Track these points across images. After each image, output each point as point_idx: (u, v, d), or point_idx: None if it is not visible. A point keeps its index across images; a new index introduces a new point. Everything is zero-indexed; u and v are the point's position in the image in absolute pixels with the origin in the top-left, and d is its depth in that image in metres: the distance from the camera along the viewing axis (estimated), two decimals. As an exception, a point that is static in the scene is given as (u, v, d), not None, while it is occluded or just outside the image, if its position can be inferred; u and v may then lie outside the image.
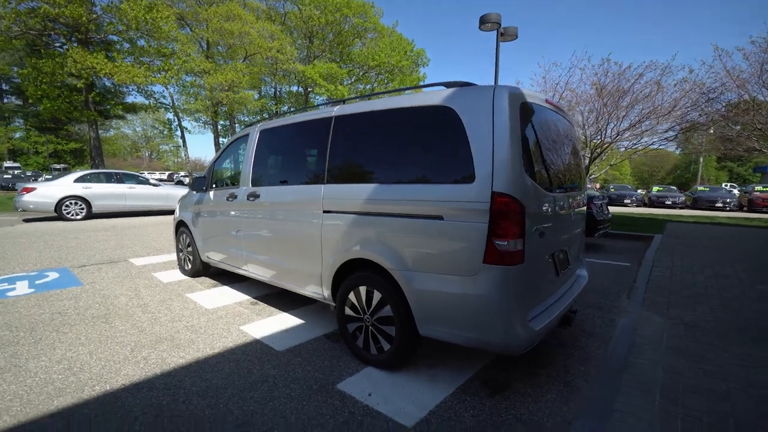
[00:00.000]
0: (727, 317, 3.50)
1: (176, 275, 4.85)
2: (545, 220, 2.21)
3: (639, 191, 27.93)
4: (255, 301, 3.93)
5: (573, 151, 3.00)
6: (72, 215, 9.70)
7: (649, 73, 9.68)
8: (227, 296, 4.06)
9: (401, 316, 2.37)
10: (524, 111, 2.13)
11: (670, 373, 2.53)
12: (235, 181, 3.94)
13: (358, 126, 2.74)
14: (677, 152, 46.47)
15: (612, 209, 19.40)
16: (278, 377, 2.44)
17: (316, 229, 2.90)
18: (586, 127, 10.75)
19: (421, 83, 36.59)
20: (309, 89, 30.56)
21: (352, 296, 2.67)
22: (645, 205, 23.55)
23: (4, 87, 38.45)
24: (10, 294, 3.95)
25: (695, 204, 21.48)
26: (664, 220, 11.85)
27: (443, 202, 2.16)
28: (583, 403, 2.24)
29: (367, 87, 33.47)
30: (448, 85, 2.32)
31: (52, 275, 4.68)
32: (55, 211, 9.50)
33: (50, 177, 12.23)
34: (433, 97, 2.30)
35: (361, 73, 33.44)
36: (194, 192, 4.57)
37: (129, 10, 16.67)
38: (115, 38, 20.65)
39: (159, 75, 19.96)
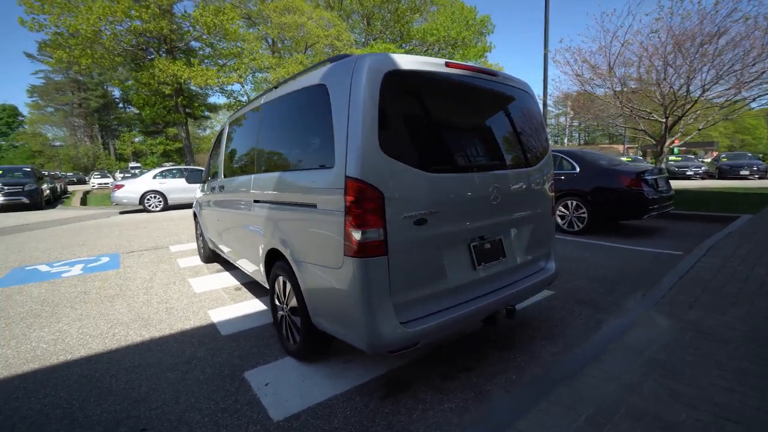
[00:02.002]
0: (764, 324, 2.72)
1: (195, 261, 5.41)
2: (428, 206, 1.93)
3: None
4: (240, 287, 4.21)
5: (508, 122, 2.53)
6: (152, 207, 11.39)
7: (745, 6, 7.59)
8: (221, 281, 4.41)
9: (303, 307, 2.33)
10: (394, 82, 1.86)
11: (623, 391, 2.08)
12: (216, 173, 4.21)
13: (271, 113, 2.72)
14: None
15: (723, 183, 16.11)
16: (202, 360, 2.61)
17: (251, 219, 2.97)
18: (661, 84, 8.96)
19: (488, 54, 34.22)
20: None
21: (276, 285, 2.70)
22: (771, 177, 19.05)
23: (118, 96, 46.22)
24: (64, 275, 4.83)
25: None
26: (777, 196, 9.43)
27: (314, 190, 2.06)
28: (483, 416, 1.97)
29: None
30: (332, 59, 2.14)
31: (104, 260, 5.60)
32: (140, 203, 11.24)
33: (137, 174, 14.43)
34: (315, 75, 2.16)
35: (422, 50, 32.46)
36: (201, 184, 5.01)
37: (199, 17, 18.58)
38: (196, 45, 23.24)
39: (230, 75, 21.94)
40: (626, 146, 39.78)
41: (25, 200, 12.47)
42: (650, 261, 4.66)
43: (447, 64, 2.09)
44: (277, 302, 2.73)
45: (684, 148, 32.22)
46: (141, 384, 2.34)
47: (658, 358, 2.39)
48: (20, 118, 54.73)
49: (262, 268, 2.91)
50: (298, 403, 2.11)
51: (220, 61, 22.49)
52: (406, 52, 31.80)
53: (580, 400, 2.02)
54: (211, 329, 3.12)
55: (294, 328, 2.51)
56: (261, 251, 2.84)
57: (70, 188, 27.45)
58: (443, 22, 28.12)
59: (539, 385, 2.20)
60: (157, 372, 2.47)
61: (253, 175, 2.91)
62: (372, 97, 1.77)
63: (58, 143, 50.28)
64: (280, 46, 28.73)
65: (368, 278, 1.80)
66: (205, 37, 20.95)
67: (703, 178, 20.28)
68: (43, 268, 5.20)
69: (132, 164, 40.39)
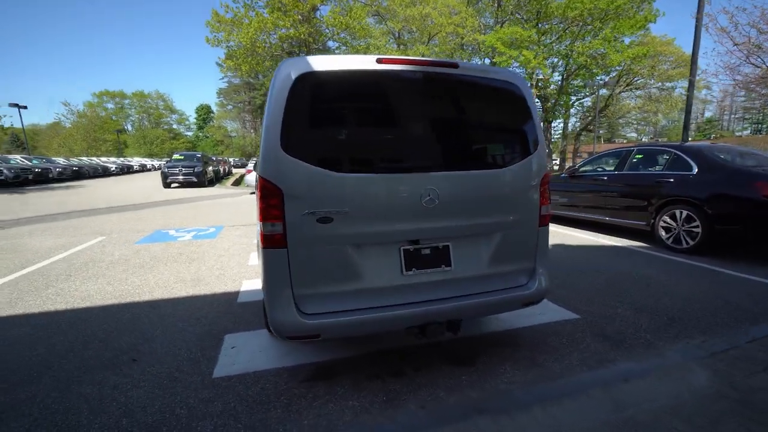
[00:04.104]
0: None
1: (268, 237, 6.32)
2: (334, 205, 1.95)
3: None
4: (282, 263, 4.79)
5: (469, 119, 2.25)
6: (272, 189, 13.46)
7: None
8: (272, 257, 5.10)
9: None
10: (306, 85, 1.92)
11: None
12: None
13: None
14: None
15: None
16: (205, 320, 3.17)
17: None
18: None
19: (651, 25, 28.14)
20: (493, 60, 29.00)
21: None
22: None
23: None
24: (179, 239, 6.30)
25: None
26: None
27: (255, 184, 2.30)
28: (378, 423, 1.93)
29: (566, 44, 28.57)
30: None
31: (210, 230, 7.04)
32: (263, 186, 13.43)
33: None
34: None
35: (561, 29, 28.81)
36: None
37: (329, 19, 20.79)
38: (333, 45, 25.94)
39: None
40: None
41: (194, 179, 16.36)
42: (745, 293, 3.40)
43: (379, 60, 2.02)
44: (266, 281, 3.10)
45: None
46: (157, 327, 3.02)
47: (640, 420, 1.88)
48: (211, 114, 70.91)
49: None
50: (241, 367, 2.42)
51: (349, 58, 24.81)
52: (542, 33, 28.81)
53: (492, 438, 1.78)
54: (233, 296, 3.71)
55: (267, 305, 2.84)
56: None
57: (234, 170, 34.33)
58: (589, -10, 24.22)
59: (463, 410, 2.01)
60: (174, 321, 3.14)
61: None
62: (280, 100, 1.89)
63: (233, 134, 63.22)
64: (406, 37, 29.59)
65: (271, 267, 1.97)
66: (341, 36, 23.33)
67: None
68: (171, 232, 6.87)
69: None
